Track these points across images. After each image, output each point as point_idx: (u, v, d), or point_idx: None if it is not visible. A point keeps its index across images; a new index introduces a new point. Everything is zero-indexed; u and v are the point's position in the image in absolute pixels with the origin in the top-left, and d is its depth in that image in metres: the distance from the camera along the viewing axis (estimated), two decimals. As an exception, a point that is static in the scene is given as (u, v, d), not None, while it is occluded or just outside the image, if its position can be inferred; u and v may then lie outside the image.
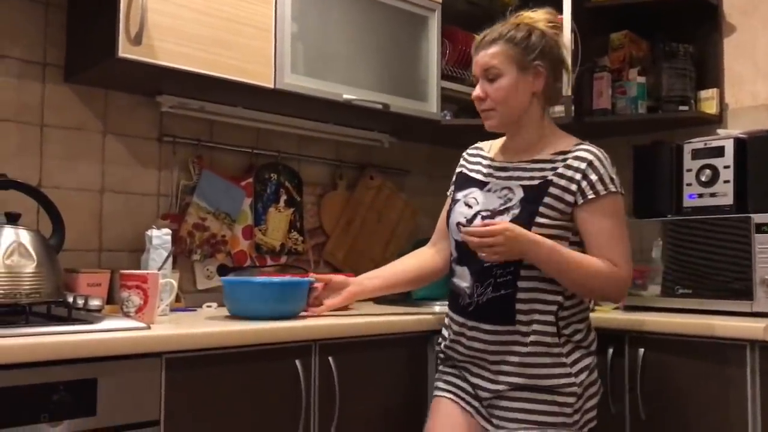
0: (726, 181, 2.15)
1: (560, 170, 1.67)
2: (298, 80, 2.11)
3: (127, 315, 1.62)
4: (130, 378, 1.42)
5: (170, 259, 1.91)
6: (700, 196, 2.20)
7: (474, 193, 1.76)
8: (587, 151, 1.69)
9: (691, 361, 1.85)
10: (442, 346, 1.81)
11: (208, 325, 1.62)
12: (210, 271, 2.28)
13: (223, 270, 2.29)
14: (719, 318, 1.88)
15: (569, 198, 1.65)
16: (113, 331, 1.43)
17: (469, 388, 1.73)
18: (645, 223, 2.25)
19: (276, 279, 1.93)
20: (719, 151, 2.18)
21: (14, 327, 1.36)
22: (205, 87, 2.07)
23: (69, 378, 1.34)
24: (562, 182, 1.66)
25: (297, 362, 1.69)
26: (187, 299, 2.15)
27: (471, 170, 1.83)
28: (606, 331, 1.99)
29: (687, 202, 2.23)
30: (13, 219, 1.54)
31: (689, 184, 2.23)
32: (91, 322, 1.48)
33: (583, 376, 1.66)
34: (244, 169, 2.40)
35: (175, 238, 2.15)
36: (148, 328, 1.51)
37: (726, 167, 2.16)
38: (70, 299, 1.56)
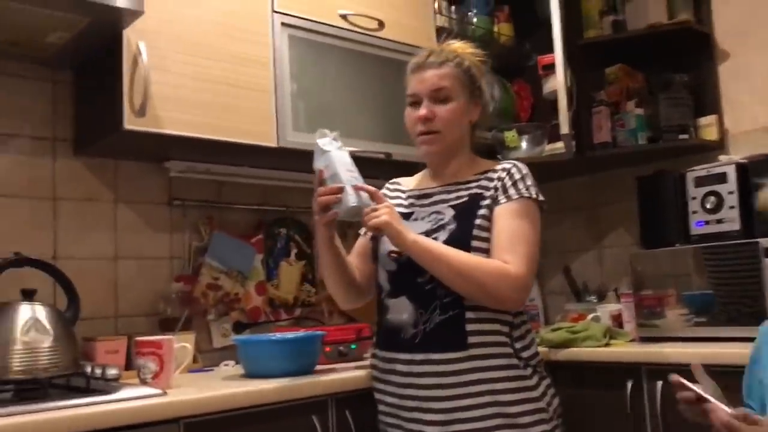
0: (731, 207, 2.16)
1: (483, 183, 1.66)
2: (301, 137, 2.15)
3: (144, 382, 1.64)
4: (149, 446, 1.44)
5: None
6: (707, 223, 2.21)
7: None
8: (507, 162, 1.70)
9: (711, 391, 1.83)
10: (382, 406, 1.69)
11: (223, 387, 1.64)
12: (226, 329, 2.30)
13: (238, 327, 2.32)
14: (735, 345, 1.87)
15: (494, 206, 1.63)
16: (130, 400, 1.46)
17: None
18: (655, 253, 2.26)
19: (287, 335, 1.95)
20: (722, 177, 2.19)
21: (33, 403, 1.39)
22: (211, 150, 2.12)
23: (89, 450, 1.36)
24: (488, 193, 1.64)
25: (314, 418, 1.70)
26: (205, 358, 2.18)
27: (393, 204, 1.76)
28: (622, 365, 1.99)
29: (694, 230, 2.24)
30: (28, 295, 1.59)
31: (695, 212, 2.24)
32: (109, 392, 1.51)
33: (549, 398, 1.62)
34: (254, 225, 2.44)
35: (189, 299, 2.19)
36: (165, 394, 1.53)
37: (730, 193, 2.16)
38: (88, 369, 1.59)
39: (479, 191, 1.65)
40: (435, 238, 1.60)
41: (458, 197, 1.67)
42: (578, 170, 2.80)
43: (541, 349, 1.85)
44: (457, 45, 1.75)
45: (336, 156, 1.60)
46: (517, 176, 1.65)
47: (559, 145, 2.53)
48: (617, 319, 2.37)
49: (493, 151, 2.65)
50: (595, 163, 2.68)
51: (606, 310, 2.42)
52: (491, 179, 1.66)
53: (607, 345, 2.15)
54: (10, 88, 2.00)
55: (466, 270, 1.53)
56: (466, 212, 1.63)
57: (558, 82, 2.38)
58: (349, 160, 1.62)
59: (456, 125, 1.68)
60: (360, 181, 1.60)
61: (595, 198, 2.88)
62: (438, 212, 1.67)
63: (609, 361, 2.04)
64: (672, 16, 2.50)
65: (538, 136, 2.63)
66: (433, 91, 1.66)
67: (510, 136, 2.62)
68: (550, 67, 2.53)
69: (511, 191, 1.62)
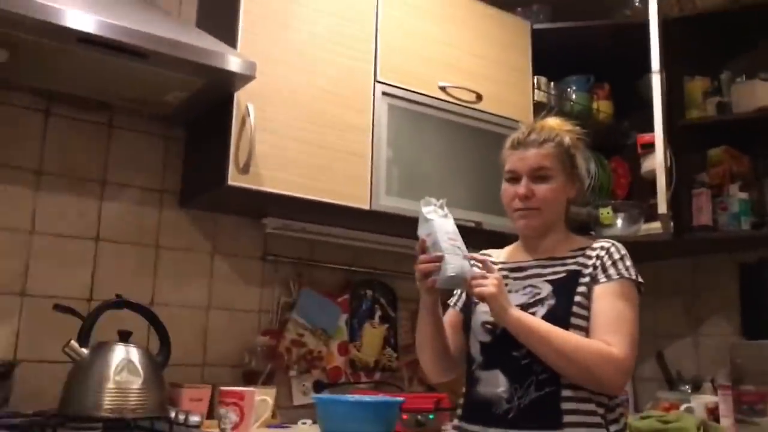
0: (843, 302, 2.02)
1: (581, 260, 1.61)
2: (393, 201, 2.20)
3: (223, 431, 1.67)
4: (222, 496, 1.46)
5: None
6: (816, 317, 2.07)
7: None
8: (604, 241, 1.64)
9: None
10: None
11: (299, 445, 1.64)
12: (306, 387, 2.32)
13: (318, 386, 2.33)
14: None
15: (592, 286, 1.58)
16: (209, 449, 1.49)
17: None
18: (758, 345, 2.14)
19: (368, 398, 1.94)
20: (833, 270, 2.07)
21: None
22: (307, 210, 2.19)
23: (166, 494, 1.40)
24: (587, 271, 1.59)
25: (387, 485, 1.67)
26: (283, 415, 2.19)
27: None
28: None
29: (802, 324, 2.11)
30: (124, 337, 1.67)
31: (802, 304, 2.11)
32: (189, 438, 1.54)
33: None
34: (341, 285, 2.48)
35: (274, 354, 2.23)
36: (243, 445, 1.55)
37: (841, 287, 2.04)
38: (173, 414, 1.64)
39: (577, 268, 1.61)
40: (533, 313, 1.57)
41: (555, 272, 1.64)
42: (676, 252, 2.70)
43: (628, 436, 1.77)
44: (555, 122, 1.75)
45: (438, 224, 1.60)
46: (616, 256, 1.61)
47: (656, 225, 2.46)
48: (713, 413, 2.23)
49: (587, 227, 2.61)
50: (694, 246, 2.58)
51: (701, 401, 2.28)
52: (589, 257, 1.62)
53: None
54: (127, 142, 2.15)
55: (571, 351, 1.50)
56: (564, 288, 1.59)
57: (657, 162, 2.33)
58: (452, 229, 1.62)
59: (554, 204, 1.67)
60: (463, 250, 1.60)
61: (693, 282, 2.76)
62: (534, 286, 1.64)
63: (702, 457, 1.92)
64: (781, 99, 2.42)
65: (634, 214, 2.57)
66: (533, 169, 1.65)
67: (605, 213, 2.57)
68: (649, 146, 2.48)
69: (611, 271, 1.59)
